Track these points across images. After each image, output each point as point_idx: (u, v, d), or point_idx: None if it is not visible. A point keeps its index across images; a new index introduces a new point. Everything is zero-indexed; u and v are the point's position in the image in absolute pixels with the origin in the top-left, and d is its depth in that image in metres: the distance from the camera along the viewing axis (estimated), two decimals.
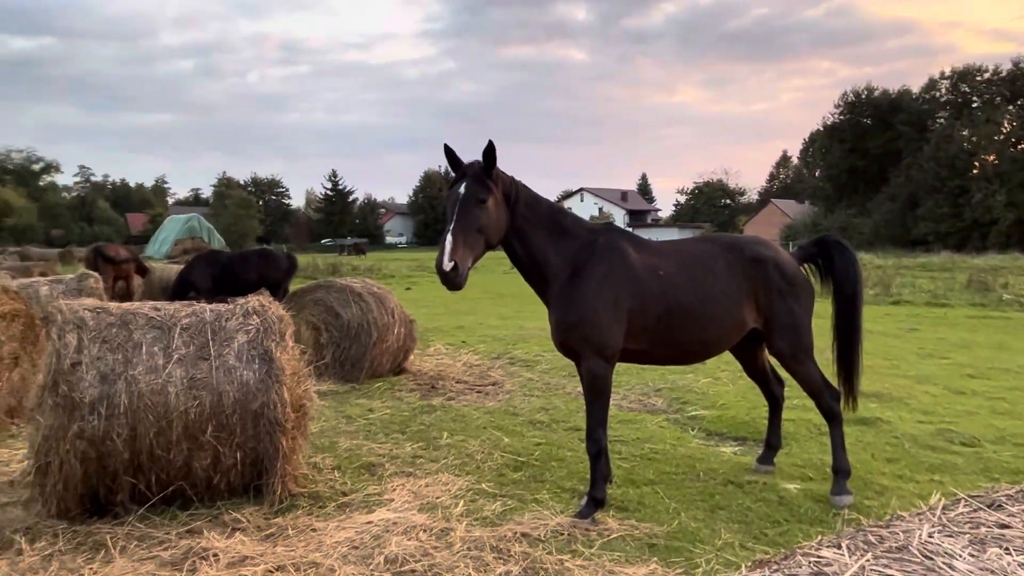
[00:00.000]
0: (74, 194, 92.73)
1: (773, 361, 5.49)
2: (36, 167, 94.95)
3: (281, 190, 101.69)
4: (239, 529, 4.38)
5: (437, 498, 4.99)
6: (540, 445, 6.41)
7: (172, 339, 4.78)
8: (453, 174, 4.55)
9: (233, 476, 4.74)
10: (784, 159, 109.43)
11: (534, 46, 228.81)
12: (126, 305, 5.05)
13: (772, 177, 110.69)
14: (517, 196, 4.66)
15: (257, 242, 66.44)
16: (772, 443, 5.72)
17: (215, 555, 3.98)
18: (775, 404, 5.75)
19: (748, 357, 5.63)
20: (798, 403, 6.66)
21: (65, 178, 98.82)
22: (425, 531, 4.35)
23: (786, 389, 5.86)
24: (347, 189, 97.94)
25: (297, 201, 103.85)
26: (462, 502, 4.90)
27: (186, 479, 4.68)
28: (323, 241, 78.04)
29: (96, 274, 11.71)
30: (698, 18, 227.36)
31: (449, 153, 4.51)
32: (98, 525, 4.42)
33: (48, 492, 4.41)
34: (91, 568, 3.84)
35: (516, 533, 4.32)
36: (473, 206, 4.35)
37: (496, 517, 4.66)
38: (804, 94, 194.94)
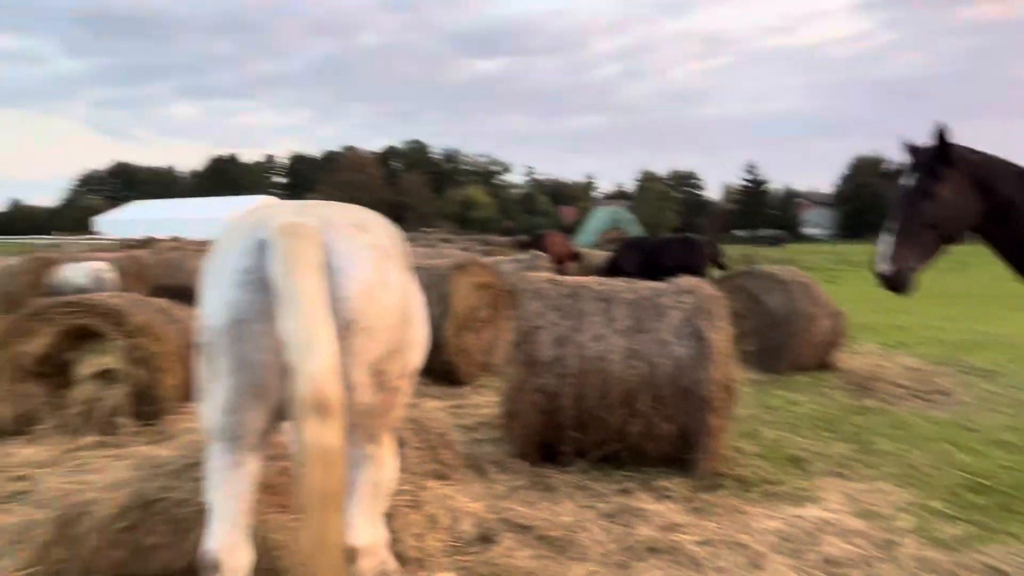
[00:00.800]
0: (521, 190, 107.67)
1: None
2: (495, 168, 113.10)
3: (696, 182, 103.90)
4: (667, 497, 4.57)
5: (875, 506, 4.52)
6: (1008, 469, 5.35)
7: (613, 311, 5.19)
8: (909, 165, 4.01)
9: (663, 446, 4.96)
10: None
11: (1000, 2, 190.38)
12: (576, 279, 5.65)
13: None
14: (994, 175, 3.91)
15: (673, 232, 68.68)
16: None
17: (646, 517, 4.22)
18: None
19: None
20: None
21: (514, 177, 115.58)
22: (864, 538, 3.97)
23: None
24: (763, 179, 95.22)
25: (712, 192, 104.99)
26: (907, 516, 4.35)
27: (620, 442, 5.04)
28: (736, 232, 77.00)
29: (544, 254, 13.47)
30: None
31: (906, 144, 4.00)
32: (548, 470, 5.04)
33: (513, 435, 5.19)
34: (545, 504, 4.40)
35: (982, 564, 3.68)
36: (920, 199, 3.76)
37: (953, 541, 4.02)
38: None
